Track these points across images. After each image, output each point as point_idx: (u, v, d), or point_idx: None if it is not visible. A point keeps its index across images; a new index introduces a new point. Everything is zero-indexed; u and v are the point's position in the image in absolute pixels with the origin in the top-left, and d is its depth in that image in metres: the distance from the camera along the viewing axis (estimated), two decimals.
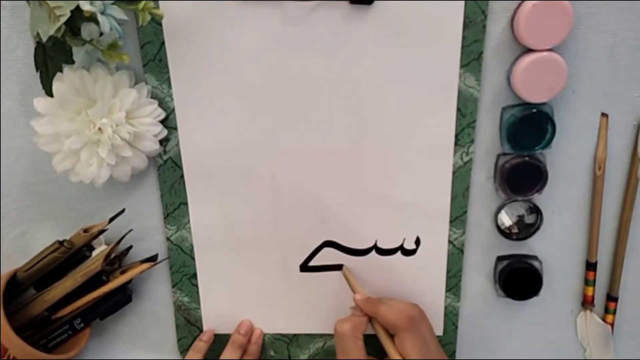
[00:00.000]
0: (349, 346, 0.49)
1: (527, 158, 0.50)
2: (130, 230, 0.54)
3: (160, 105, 0.49)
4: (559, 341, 0.59)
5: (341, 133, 0.51)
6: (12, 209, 0.55)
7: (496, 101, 0.50)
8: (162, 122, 0.50)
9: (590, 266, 0.55)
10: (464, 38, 0.47)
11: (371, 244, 0.55)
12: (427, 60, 0.48)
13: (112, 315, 0.56)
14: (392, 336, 0.50)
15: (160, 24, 0.47)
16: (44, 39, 0.41)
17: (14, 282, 0.52)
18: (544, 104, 0.48)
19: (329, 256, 0.55)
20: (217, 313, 0.58)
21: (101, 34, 0.42)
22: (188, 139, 0.51)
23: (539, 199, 0.52)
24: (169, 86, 0.50)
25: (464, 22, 0.46)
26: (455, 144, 0.51)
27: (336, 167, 0.52)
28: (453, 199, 0.52)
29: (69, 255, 0.52)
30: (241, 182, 0.53)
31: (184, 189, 0.53)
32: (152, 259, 0.55)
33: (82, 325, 0.54)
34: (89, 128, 0.46)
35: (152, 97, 0.49)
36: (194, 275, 0.56)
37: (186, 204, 0.54)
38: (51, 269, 0.52)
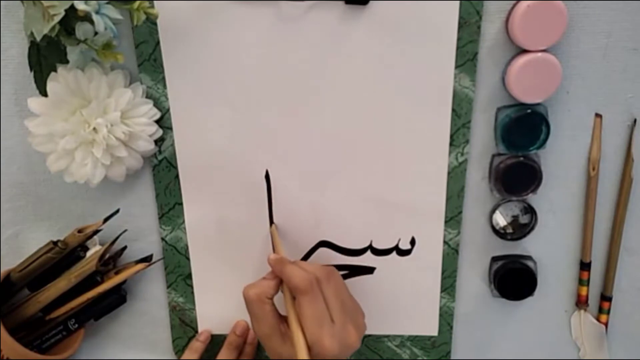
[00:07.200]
0: (256, 311, 0.47)
1: (521, 158, 0.50)
2: (125, 231, 0.54)
3: (155, 105, 0.49)
4: (554, 341, 0.59)
5: (336, 133, 0.51)
6: (6, 209, 0.55)
7: (491, 102, 0.50)
8: (157, 122, 0.50)
9: (585, 266, 0.55)
10: (458, 39, 0.47)
11: (366, 244, 0.55)
12: (422, 61, 0.48)
13: (106, 316, 0.55)
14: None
15: (155, 24, 0.47)
16: (38, 39, 0.41)
17: (8, 282, 0.52)
18: (538, 104, 0.49)
19: (324, 256, 0.55)
20: (212, 313, 0.58)
21: (96, 33, 0.42)
22: (183, 139, 0.51)
23: (533, 199, 0.52)
24: (164, 86, 0.49)
25: (459, 23, 0.47)
26: (450, 144, 0.51)
27: (331, 167, 0.52)
28: (448, 199, 0.53)
29: (63, 256, 0.52)
30: (236, 182, 0.53)
31: (179, 189, 0.53)
32: (147, 259, 0.55)
33: (77, 326, 0.54)
34: (84, 128, 0.46)
35: (147, 97, 0.49)
36: (189, 276, 0.56)
37: (181, 204, 0.54)
38: (45, 269, 0.52)
